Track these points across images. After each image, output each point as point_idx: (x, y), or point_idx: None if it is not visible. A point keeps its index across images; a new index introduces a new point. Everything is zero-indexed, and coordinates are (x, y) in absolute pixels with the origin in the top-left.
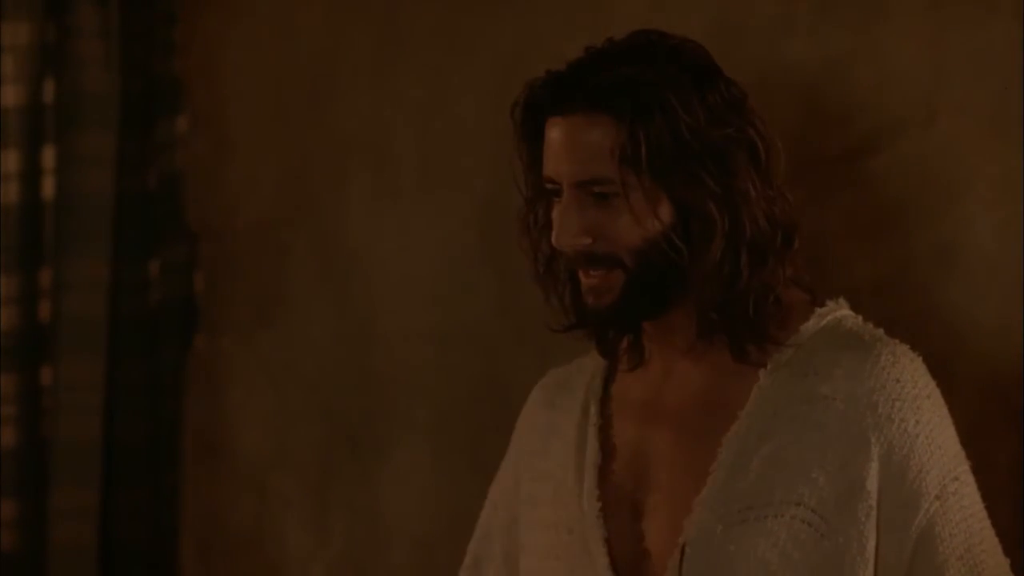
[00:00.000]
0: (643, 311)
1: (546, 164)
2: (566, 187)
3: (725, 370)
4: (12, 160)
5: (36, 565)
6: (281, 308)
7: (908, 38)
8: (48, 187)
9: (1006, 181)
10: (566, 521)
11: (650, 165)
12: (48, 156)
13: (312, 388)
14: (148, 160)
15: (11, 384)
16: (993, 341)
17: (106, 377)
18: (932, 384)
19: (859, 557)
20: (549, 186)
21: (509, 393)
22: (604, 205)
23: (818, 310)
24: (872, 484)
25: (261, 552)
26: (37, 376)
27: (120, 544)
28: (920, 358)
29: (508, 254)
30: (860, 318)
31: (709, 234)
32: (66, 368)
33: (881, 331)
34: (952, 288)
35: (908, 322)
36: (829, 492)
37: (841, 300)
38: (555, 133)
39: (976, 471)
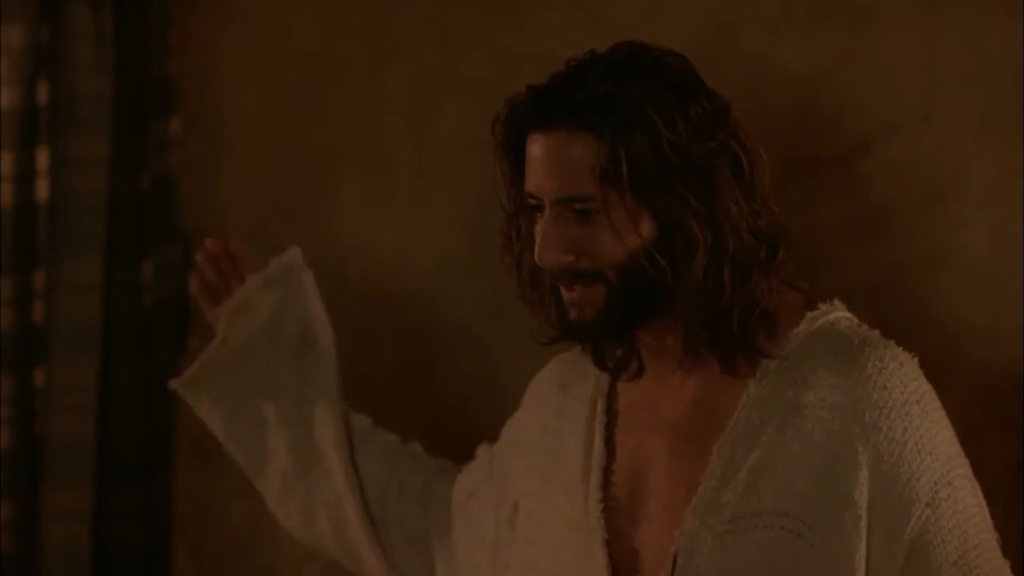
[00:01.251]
0: (625, 324)
1: (528, 180)
2: (548, 204)
3: (717, 379)
4: (6, 162)
5: (30, 566)
6: None
7: (901, 40)
8: (42, 189)
9: (999, 183)
10: (575, 517)
11: (631, 182)
12: (42, 158)
13: None
14: (142, 162)
15: (5, 386)
16: (986, 344)
17: (100, 379)
18: (924, 387)
19: (848, 567)
20: (531, 201)
21: (503, 394)
22: (586, 222)
23: (809, 314)
24: (861, 493)
25: (255, 553)
26: (31, 378)
27: (114, 545)
28: (913, 359)
29: (502, 255)
30: (854, 319)
31: (691, 251)
32: (60, 370)
33: (876, 332)
34: (945, 290)
35: (901, 325)
36: (817, 502)
37: (836, 302)
38: (536, 149)
39: None
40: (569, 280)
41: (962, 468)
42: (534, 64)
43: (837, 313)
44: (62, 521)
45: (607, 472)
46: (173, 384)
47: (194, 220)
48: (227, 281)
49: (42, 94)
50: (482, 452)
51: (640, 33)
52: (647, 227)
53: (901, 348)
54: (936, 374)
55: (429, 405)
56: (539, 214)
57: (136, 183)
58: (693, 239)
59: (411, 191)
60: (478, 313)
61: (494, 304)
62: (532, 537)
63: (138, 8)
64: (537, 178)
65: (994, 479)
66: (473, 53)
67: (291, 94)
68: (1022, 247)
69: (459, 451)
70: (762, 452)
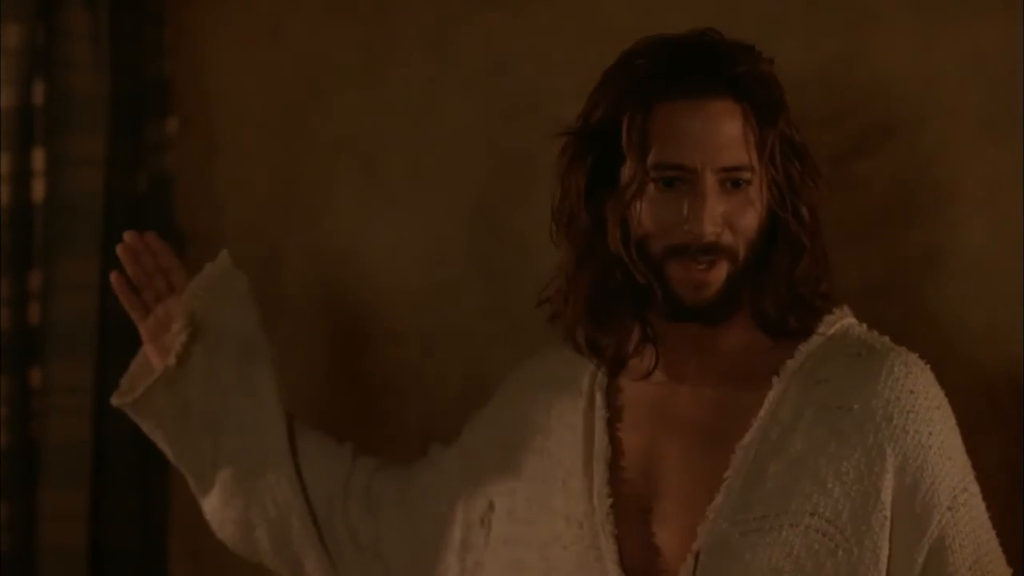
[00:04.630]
0: (734, 305)
1: (667, 149)
2: (707, 173)
3: (737, 379)
4: (2, 162)
5: (26, 567)
6: (270, 310)
7: (898, 40)
8: (38, 189)
9: (997, 183)
10: (576, 514)
11: (771, 159)
12: (38, 158)
13: (302, 390)
14: (138, 162)
15: (1, 386)
16: (983, 344)
17: (96, 379)
18: (942, 394)
19: (873, 568)
20: (668, 173)
21: None
22: (734, 193)
23: (826, 317)
24: (887, 495)
25: None
26: (27, 378)
27: (110, 546)
28: (928, 367)
29: (497, 256)
30: (864, 326)
31: (799, 228)
32: (56, 370)
33: (887, 339)
34: (942, 291)
35: (897, 325)
36: (844, 503)
37: (845, 308)
38: (687, 118)
39: None
40: (703, 254)
41: (972, 475)
42: (530, 63)
43: (850, 319)
44: (58, 521)
45: (614, 468)
46: (114, 401)
47: (190, 220)
48: (150, 278)
49: (38, 94)
50: (436, 451)
51: (636, 32)
52: (765, 204)
53: (916, 355)
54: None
55: (424, 405)
56: (661, 185)
57: (132, 183)
58: (802, 218)
59: (407, 191)
60: (474, 313)
61: (489, 304)
62: (514, 536)
63: (133, 8)
64: (690, 148)
65: (991, 479)
66: (468, 52)
67: (287, 94)
68: (1019, 247)
69: None
70: (789, 451)
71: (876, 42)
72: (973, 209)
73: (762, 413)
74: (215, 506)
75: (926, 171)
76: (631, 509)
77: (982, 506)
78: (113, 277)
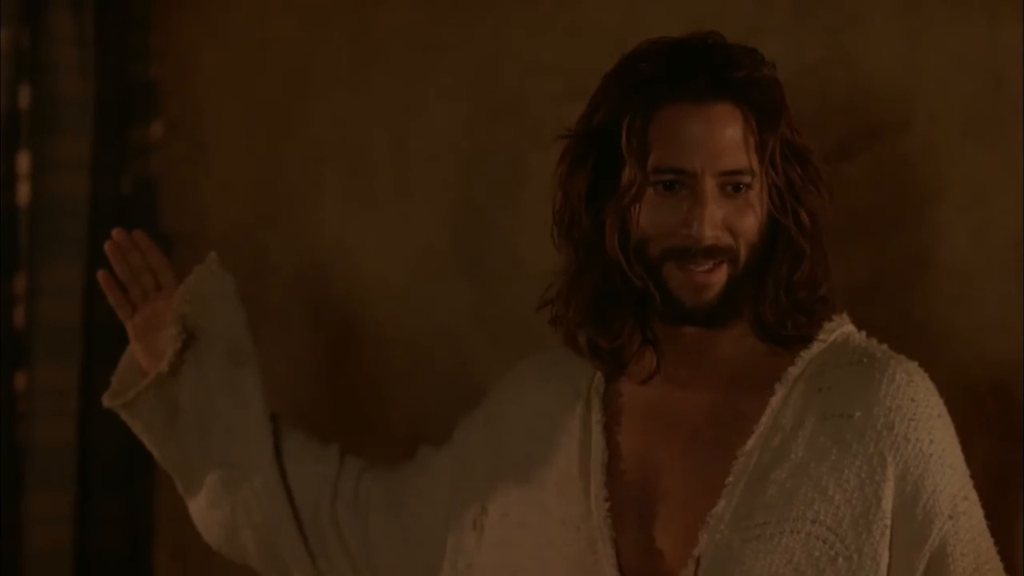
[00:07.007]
0: (734, 309)
1: (669, 153)
2: (707, 177)
3: (738, 384)
4: None
5: (12, 571)
6: (256, 313)
7: (883, 43)
8: (23, 192)
9: (981, 186)
10: (573, 517)
11: (772, 163)
12: (23, 161)
13: (287, 393)
14: (123, 165)
15: None
16: (968, 347)
17: (81, 382)
18: (942, 403)
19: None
20: (667, 176)
21: (484, 396)
22: (734, 197)
23: (826, 324)
24: (887, 503)
25: None
26: (12, 382)
27: (95, 549)
28: (927, 375)
29: (483, 258)
30: (864, 333)
31: (798, 232)
32: (41, 374)
33: (886, 347)
34: (928, 294)
35: (883, 328)
36: (845, 510)
37: (844, 315)
38: (689, 122)
39: None
40: (704, 257)
41: (971, 483)
42: (515, 66)
43: (848, 326)
44: (43, 525)
45: (611, 472)
46: (106, 402)
47: (175, 223)
48: (137, 276)
49: (23, 98)
50: (426, 452)
51: (622, 35)
52: (766, 208)
53: (916, 363)
54: None
55: (411, 407)
56: (660, 189)
57: (117, 186)
58: (801, 223)
59: (392, 194)
60: (460, 315)
61: (475, 308)
62: (507, 540)
63: (119, 12)
64: (691, 151)
65: (977, 483)
66: (454, 56)
67: (272, 97)
68: (1004, 250)
69: None
70: (791, 458)
71: (861, 45)
72: (958, 212)
73: (764, 419)
74: (202, 508)
75: (911, 174)
76: (629, 513)
77: (981, 514)
78: (100, 275)
